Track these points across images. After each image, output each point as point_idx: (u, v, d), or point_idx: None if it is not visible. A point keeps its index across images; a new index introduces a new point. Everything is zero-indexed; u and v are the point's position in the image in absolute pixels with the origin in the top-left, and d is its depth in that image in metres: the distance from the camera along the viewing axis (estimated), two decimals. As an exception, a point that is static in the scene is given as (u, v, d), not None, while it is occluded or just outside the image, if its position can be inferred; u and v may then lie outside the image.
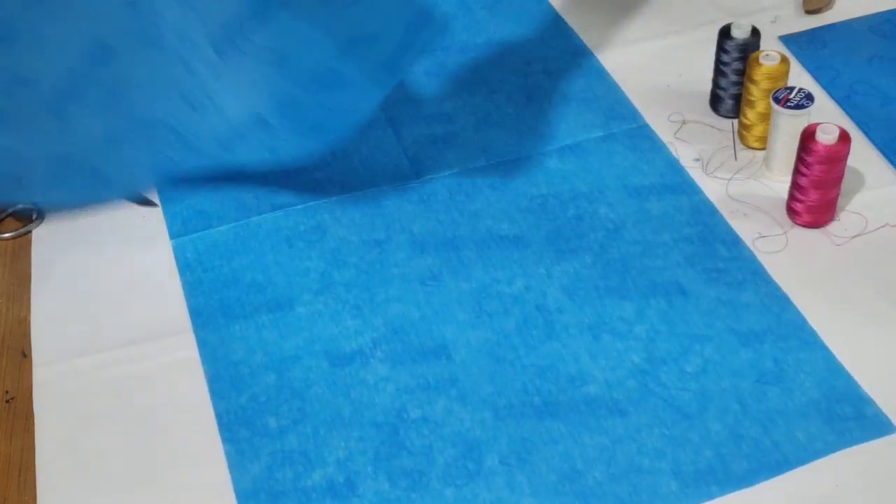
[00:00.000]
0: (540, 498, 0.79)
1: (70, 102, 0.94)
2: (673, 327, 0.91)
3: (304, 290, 0.97)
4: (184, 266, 1.00)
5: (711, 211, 1.01)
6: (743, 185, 1.03)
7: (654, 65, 1.20)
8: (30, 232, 1.06)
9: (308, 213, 1.05)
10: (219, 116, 0.95)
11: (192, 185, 1.07)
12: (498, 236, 1.00)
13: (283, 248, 1.01)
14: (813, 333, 0.89)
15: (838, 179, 0.96)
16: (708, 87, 1.12)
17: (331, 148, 1.06)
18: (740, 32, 1.06)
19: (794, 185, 0.97)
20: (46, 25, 0.90)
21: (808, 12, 1.24)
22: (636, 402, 0.85)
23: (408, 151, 1.11)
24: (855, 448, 0.81)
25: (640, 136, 1.10)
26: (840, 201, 0.99)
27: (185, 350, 0.92)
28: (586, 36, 1.25)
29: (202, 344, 0.93)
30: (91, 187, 1.02)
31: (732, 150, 1.07)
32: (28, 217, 1.07)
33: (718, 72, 1.09)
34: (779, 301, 0.92)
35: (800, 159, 0.95)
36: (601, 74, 1.19)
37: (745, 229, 0.99)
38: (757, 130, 1.06)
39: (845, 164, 0.95)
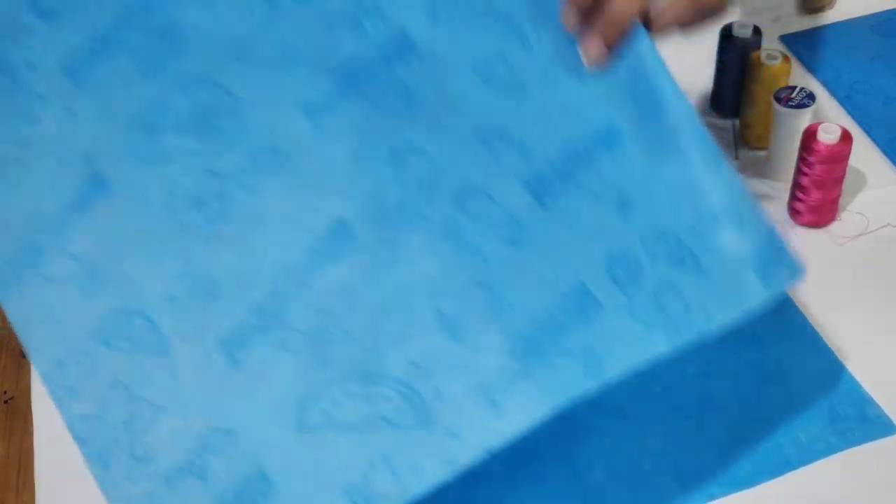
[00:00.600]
0: (540, 499, 0.79)
1: None
2: (674, 327, 0.90)
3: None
4: None
5: (713, 211, 1.01)
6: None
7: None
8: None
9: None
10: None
11: None
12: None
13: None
14: (815, 334, 0.89)
15: (840, 179, 0.96)
16: (709, 86, 1.12)
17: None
18: (741, 31, 1.05)
19: (796, 185, 0.97)
20: None
21: (810, 11, 1.24)
22: (637, 402, 0.85)
23: None
24: (857, 449, 0.81)
25: (641, 136, 1.10)
26: (841, 201, 0.98)
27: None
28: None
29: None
30: None
31: (733, 150, 1.07)
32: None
33: (719, 71, 1.09)
34: (780, 301, 0.92)
35: (801, 159, 0.95)
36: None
37: (746, 229, 0.99)
38: (758, 130, 1.05)
39: (847, 163, 0.95)
